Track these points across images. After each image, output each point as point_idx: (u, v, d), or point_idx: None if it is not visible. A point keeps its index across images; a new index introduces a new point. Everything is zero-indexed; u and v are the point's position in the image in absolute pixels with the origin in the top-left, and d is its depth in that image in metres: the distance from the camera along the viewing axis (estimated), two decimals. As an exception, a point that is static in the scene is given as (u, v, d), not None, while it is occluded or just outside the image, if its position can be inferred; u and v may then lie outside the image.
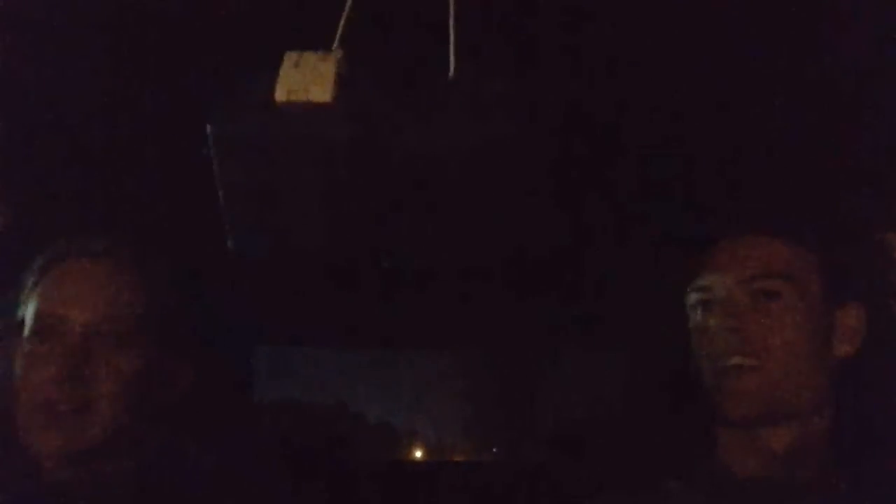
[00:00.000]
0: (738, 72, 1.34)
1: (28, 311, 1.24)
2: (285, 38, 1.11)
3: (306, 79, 1.08)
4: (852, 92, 1.35)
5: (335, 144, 1.08)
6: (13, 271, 1.48)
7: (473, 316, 2.18)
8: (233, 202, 1.14)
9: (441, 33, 1.08)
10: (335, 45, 1.09)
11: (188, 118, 1.45)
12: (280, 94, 1.08)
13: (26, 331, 1.22)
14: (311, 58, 1.09)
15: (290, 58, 1.09)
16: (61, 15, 1.23)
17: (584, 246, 1.75)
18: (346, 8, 1.08)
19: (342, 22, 1.08)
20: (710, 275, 1.30)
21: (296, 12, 1.23)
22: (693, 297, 1.31)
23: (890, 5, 1.22)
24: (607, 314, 2.07)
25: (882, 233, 1.50)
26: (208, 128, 1.09)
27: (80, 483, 1.21)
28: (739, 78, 1.35)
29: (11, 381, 1.24)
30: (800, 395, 1.26)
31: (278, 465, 1.97)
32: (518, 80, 1.10)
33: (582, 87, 1.31)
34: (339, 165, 1.09)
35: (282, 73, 1.09)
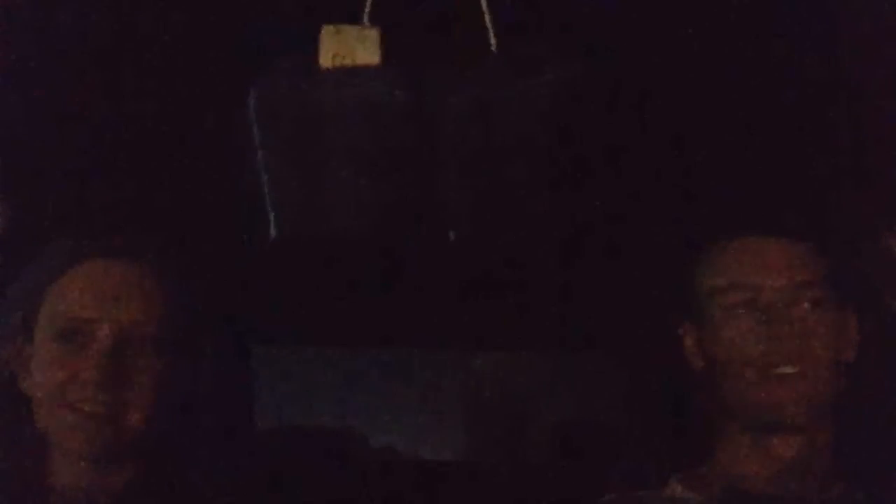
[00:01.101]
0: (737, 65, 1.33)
1: (45, 310, 1.23)
2: (307, 17, 1.08)
3: (351, 44, 1.05)
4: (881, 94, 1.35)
5: (386, 107, 1.04)
6: (13, 271, 1.48)
7: (473, 316, 2.18)
8: (275, 177, 1.11)
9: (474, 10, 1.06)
10: (365, 19, 1.06)
11: (190, 116, 1.45)
12: (325, 60, 1.05)
13: (46, 330, 1.22)
14: (350, 28, 1.06)
15: (328, 29, 1.06)
16: (65, 5, 1.23)
17: (585, 245, 1.75)
18: None
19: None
20: (755, 275, 1.27)
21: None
22: (733, 295, 1.28)
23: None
24: (608, 314, 2.06)
25: (886, 237, 1.49)
26: (250, 95, 1.06)
27: (90, 491, 1.21)
28: (739, 71, 1.35)
29: (15, 381, 1.23)
30: (827, 403, 1.26)
31: (278, 466, 1.97)
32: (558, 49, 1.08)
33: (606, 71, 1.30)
34: (389, 130, 1.05)
35: (323, 40, 1.06)
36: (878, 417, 1.34)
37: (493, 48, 1.05)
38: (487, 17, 1.05)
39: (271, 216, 1.13)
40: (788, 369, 1.24)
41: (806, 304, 1.26)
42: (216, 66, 1.31)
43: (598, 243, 1.79)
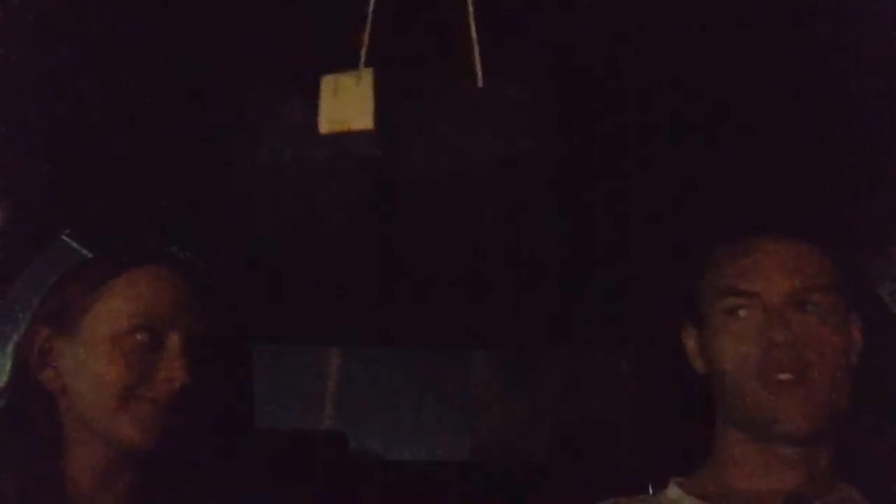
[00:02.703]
0: (751, 66, 1.33)
1: (104, 307, 1.26)
2: (304, 49, 1.11)
3: (347, 107, 1.10)
4: (856, 91, 1.34)
5: (372, 163, 1.09)
6: (13, 271, 1.48)
7: (473, 316, 2.18)
8: (270, 220, 1.16)
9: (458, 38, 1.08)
10: (361, 61, 1.09)
11: (190, 118, 1.45)
12: (323, 127, 1.11)
13: (106, 328, 1.25)
14: (347, 81, 1.10)
15: (327, 84, 1.10)
16: (69, 13, 1.24)
17: (586, 245, 1.75)
18: (368, 24, 1.08)
19: (366, 38, 1.08)
20: (755, 281, 1.26)
21: (311, 27, 1.23)
22: (730, 302, 1.27)
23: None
24: (608, 314, 2.07)
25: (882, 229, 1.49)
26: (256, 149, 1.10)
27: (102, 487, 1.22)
28: (752, 72, 1.34)
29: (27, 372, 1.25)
30: (840, 408, 1.24)
31: (278, 466, 1.97)
32: (540, 89, 1.10)
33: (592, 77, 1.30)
34: (375, 182, 1.10)
35: (322, 102, 1.10)
36: (879, 419, 1.34)
37: (480, 82, 1.08)
38: (476, 53, 1.07)
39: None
40: (788, 376, 1.22)
41: (808, 309, 1.23)
42: (219, 73, 1.33)
43: (601, 245, 1.79)
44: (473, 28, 1.08)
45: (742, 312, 1.26)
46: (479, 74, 1.08)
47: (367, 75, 1.09)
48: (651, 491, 1.35)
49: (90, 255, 1.56)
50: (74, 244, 1.71)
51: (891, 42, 1.23)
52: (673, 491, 1.31)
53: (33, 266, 1.59)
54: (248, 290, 1.95)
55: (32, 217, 1.64)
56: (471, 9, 1.07)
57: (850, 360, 1.26)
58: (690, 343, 1.34)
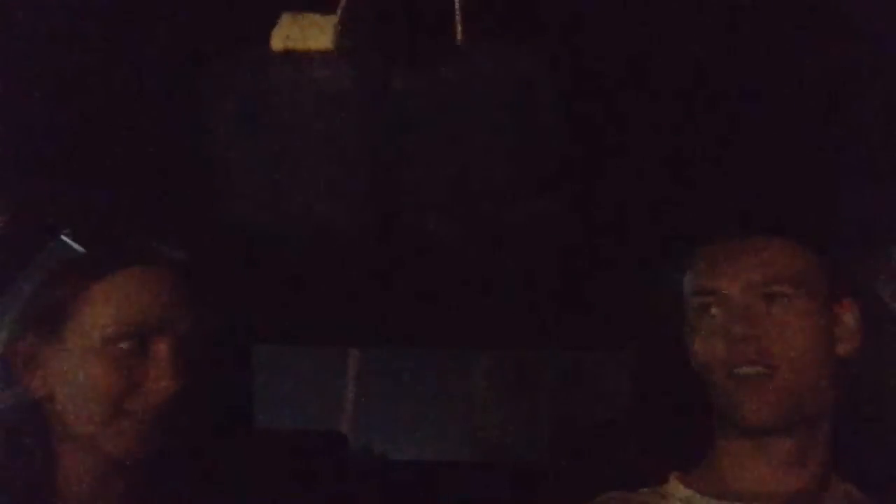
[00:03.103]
0: (736, 65, 1.33)
1: (90, 312, 1.23)
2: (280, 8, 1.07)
3: (305, 30, 1.02)
4: (847, 89, 1.34)
5: (338, 91, 1.02)
6: (13, 271, 1.48)
7: (473, 316, 2.18)
8: (227, 168, 1.09)
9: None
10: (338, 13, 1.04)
11: (187, 113, 1.44)
12: (276, 43, 1.02)
13: (93, 333, 1.22)
14: (310, 15, 1.04)
15: (287, 15, 1.04)
16: (58, 10, 1.23)
17: (586, 244, 1.75)
18: None
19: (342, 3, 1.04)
20: (719, 278, 1.28)
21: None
22: (699, 301, 1.29)
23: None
24: (608, 314, 2.07)
25: (882, 228, 1.49)
26: (200, 83, 1.04)
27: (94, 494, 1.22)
28: (738, 71, 1.34)
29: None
30: (814, 400, 1.25)
31: (278, 466, 1.97)
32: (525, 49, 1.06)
33: (584, 62, 1.29)
34: (341, 116, 1.03)
35: (278, 25, 1.03)
36: (879, 416, 1.34)
37: (459, 39, 1.03)
38: (458, 8, 1.03)
39: (223, 205, 1.12)
40: (752, 369, 1.23)
41: (775, 301, 1.24)
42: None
43: (600, 244, 1.79)
44: None
45: (708, 312, 1.28)
46: (459, 29, 1.04)
47: (333, 17, 1.02)
48: (651, 486, 1.35)
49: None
50: (74, 244, 1.71)
51: (890, 41, 1.23)
52: (672, 485, 1.32)
53: (30, 267, 1.58)
54: (248, 290, 1.95)
55: (32, 217, 1.64)
56: None
57: (830, 352, 1.26)
58: (686, 341, 1.35)
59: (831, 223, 1.51)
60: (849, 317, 1.29)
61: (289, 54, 1.01)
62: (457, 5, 1.03)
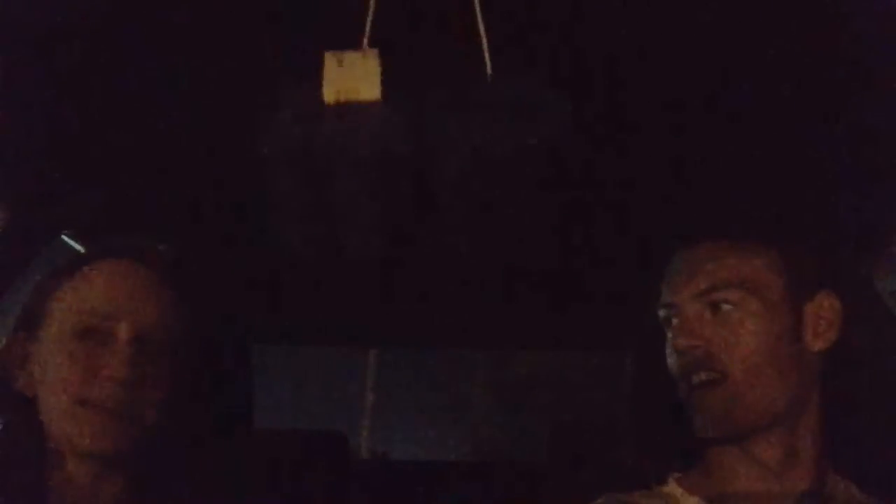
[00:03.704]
0: (730, 65, 1.33)
1: (59, 307, 1.23)
2: (305, 39, 1.09)
3: (354, 77, 1.05)
4: (806, 85, 1.34)
5: (388, 147, 1.05)
6: (13, 271, 1.48)
7: (473, 316, 2.18)
8: (283, 213, 1.12)
9: (468, 31, 1.06)
10: (365, 41, 1.06)
11: (190, 112, 1.44)
12: (329, 96, 1.05)
13: (61, 327, 1.21)
14: (353, 56, 1.06)
15: (331, 58, 1.06)
16: (68, 12, 1.23)
17: (586, 245, 1.75)
18: (371, 8, 1.06)
19: (369, 20, 1.06)
20: (669, 292, 1.30)
21: (313, 14, 1.22)
22: (663, 314, 1.31)
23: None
24: (607, 314, 2.07)
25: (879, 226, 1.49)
26: (261, 130, 1.07)
27: (89, 492, 1.21)
28: (733, 72, 1.34)
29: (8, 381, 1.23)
30: (774, 402, 1.24)
31: (277, 466, 1.97)
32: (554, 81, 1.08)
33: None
34: (390, 169, 1.06)
35: (326, 73, 1.06)
36: (875, 413, 1.34)
37: (489, 75, 1.06)
38: (485, 43, 1.06)
39: (277, 237, 1.15)
40: (703, 377, 1.23)
41: (722, 308, 1.24)
42: (219, 71, 1.32)
43: (601, 244, 1.79)
44: (480, 18, 1.06)
45: (668, 324, 1.30)
46: (488, 65, 1.06)
47: (372, 53, 1.06)
48: (652, 487, 1.35)
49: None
50: (74, 244, 1.71)
51: (889, 40, 1.23)
52: (671, 487, 1.32)
53: (29, 267, 1.58)
54: (248, 290, 1.95)
55: (32, 217, 1.64)
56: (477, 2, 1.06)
57: (792, 352, 1.25)
58: None
59: (826, 222, 1.51)
60: (824, 310, 1.27)
61: (339, 105, 1.06)
62: (483, 41, 1.05)
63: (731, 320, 1.25)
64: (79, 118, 1.43)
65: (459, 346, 3.41)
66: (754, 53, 1.28)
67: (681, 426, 1.32)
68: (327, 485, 2.17)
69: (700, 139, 1.47)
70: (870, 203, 1.55)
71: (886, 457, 1.30)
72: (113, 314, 1.21)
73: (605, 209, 1.69)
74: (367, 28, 1.05)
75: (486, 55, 1.06)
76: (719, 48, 1.29)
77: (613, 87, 1.35)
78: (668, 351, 1.30)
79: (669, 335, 1.30)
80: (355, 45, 1.07)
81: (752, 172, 1.52)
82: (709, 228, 1.32)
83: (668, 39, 1.27)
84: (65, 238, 1.72)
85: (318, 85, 1.06)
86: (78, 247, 1.59)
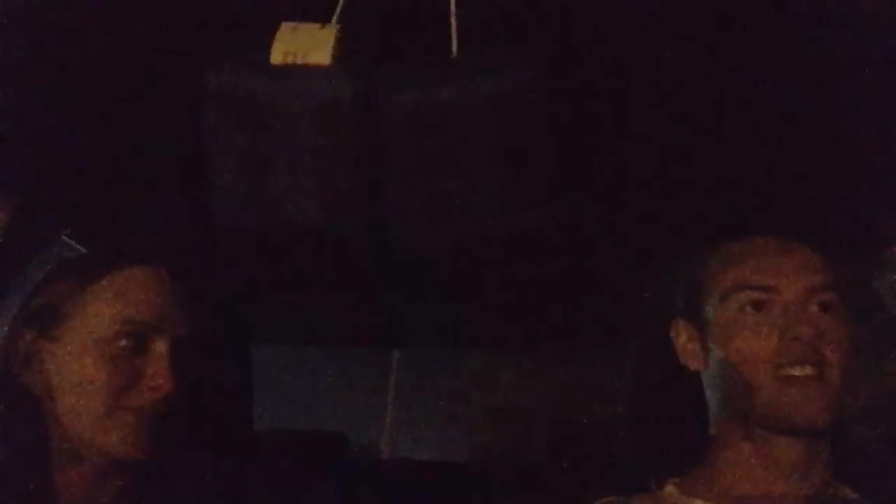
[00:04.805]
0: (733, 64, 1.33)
1: (86, 311, 1.25)
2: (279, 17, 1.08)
3: (305, 43, 1.04)
4: (841, 88, 1.34)
5: (336, 103, 1.03)
6: (12, 272, 1.48)
7: (473, 316, 2.18)
8: (222, 169, 1.10)
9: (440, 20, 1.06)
10: (334, 21, 1.06)
11: (186, 115, 1.44)
12: (276, 57, 1.04)
13: (93, 331, 1.23)
14: (310, 27, 1.05)
15: (286, 26, 1.05)
16: (60, 12, 1.23)
17: (585, 245, 1.75)
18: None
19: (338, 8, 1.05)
20: (776, 276, 1.28)
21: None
22: (749, 296, 1.28)
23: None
24: (607, 314, 2.07)
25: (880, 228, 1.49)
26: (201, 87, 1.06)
27: (91, 491, 1.22)
28: (736, 71, 1.34)
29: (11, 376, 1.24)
30: (843, 408, 1.26)
31: (278, 467, 1.97)
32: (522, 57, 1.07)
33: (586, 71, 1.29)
34: (338, 128, 1.04)
35: (278, 37, 1.05)
36: (878, 419, 1.34)
37: (454, 53, 1.05)
38: (453, 22, 1.05)
39: (216, 205, 1.13)
40: (802, 370, 1.23)
41: (820, 308, 1.25)
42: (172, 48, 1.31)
43: (601, 244, 1.79)
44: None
45: (755, 309, 1.27)
46: (455, 43, 1.05)
47: (332, 27, 1.04)
48: (652, 490, 1.35)
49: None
50: (74, 244, 1.71)
51: (890, 41, 1.23)
52: (669, 491, 1.32)
53: (30, 267, 1.58)
54: (248, 290, 1.95)
55: (32, 217, 1.64)
56: None
57: (855, 360, 1.28)
58: (683, 339, 1.34)
59: (838, 229, 1.51)
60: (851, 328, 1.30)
61: (288, 66, 1.04)
62: (452, 20, 1.05)
63: (835, 321, 1.26)
64: (78, 117, 1.43)
65: (458, 346, 3.41)
66: (754, 51, 1.29)
67: (680, 426, 1.32)
68: (327, 485, 2.17)
69: (707, 134, 1.47)
70: (869, 203, 1.55)
71: (887, 460, 1.30)
72: (149, 323, 1.24)
73: (606, 209, 1.68)
74: (339, 9, 1.05)
75: (454, 37, 1.05)
76: (715, 39, 1.29)
77: (593, 64, 1.33)
78: (753, 333, 1.27)
79: (752, 318, 1.27)
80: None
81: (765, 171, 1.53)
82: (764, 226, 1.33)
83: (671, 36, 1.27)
84: (65, 238, 1.72)
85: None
86: (81, 248, 1.58)
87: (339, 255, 1.62)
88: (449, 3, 1.06)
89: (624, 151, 1.52)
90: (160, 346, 1.23)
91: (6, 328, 1.29)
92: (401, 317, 2.21)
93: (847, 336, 1.26)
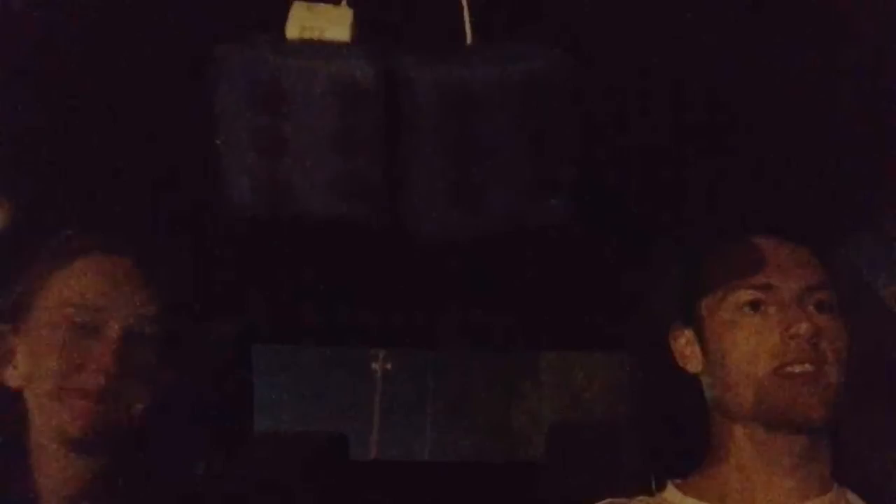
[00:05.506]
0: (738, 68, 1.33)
1: (48, 299, 1.26)
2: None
3: (322, 18, 1.01)
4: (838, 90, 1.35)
5: (357, 83, 0.99)
6: (12, 271, 1.48)
7: (473, 317, 2.18)
8: (232, 151, 1.07)
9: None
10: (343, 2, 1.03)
11: (188, 114, 1.44)
12: (292, 31, 1.01)
13: (50, 318, 1.24)
14: (323, 6, 1.02)
15: (299, 5, 1.01)
16: (58, 10, 1.23)
17: (586, 245, 1.75)
18: None
19: None
20: (774, 274, 1.28)
21: None
22: (746, 294, 1.29)
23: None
24: (607, 314, 2.07)
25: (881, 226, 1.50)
26: (213, 61, 1.02)
27: (64, 478, 1.22)
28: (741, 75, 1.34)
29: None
30: (837, 405, 1.26)
31: (278, 468, 1.97)
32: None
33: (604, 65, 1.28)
34: (358, 108, 1.00)
35: (292, 13, 1.01)
36: (878, 419, 1.35)
37: (469, 41, 1.02)
38: (466, 11, 1.02)
39: (228, 190, 1.10)
40: (801, 368, 1.23)
41: (817, 306, 1.26)
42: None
43: (601, 244, 1.79)
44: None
45: (756, 306, 1.28)
46: (469, 30, 1.03)
47: (346, 7, 1.00)
48: (653, 491, 1.35)
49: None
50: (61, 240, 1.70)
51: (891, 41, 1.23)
52: (670, 492, 1.32)
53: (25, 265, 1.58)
54: (248, 290, 1.95)
55: (32, 217, 1.64)
56: None
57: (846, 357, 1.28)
58: (681, 343, 1.35)
59: (836, 227, 1.51)
60: (847, 326, 1.31)
61: (304, 42, 1.00)
62: (465, 7, 1.03)
63: (832, 319, 1.27)
64: (78, 116, 1.43)
65: (460, 347, 3.41)
66: (754, 49, 1.29)
67: (681, 427, 1.32)
68: (327, 486, 2.17)
69: (707, 137, 1.47)
70: (869, 202, 1.55)
71: (887, 463, 1.30)
72: (102, 309, 1.24)
73: (605, 209, 1.68)
74: None
75: (468, 23, 1.02)
76: (719, 39, 1.29)
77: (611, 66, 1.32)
78: (754, 332, 1.27)
79: (752, 316, 1.28)
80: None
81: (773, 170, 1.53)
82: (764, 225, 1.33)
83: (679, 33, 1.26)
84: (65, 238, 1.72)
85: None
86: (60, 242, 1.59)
87: (353, 246, 1.59)
88: None
89: (627, 154, 1.52)
90: (111, 331, 1.24)
91: None
92: (402, 319, 2.21)
93: (844, 334, 1.27)
